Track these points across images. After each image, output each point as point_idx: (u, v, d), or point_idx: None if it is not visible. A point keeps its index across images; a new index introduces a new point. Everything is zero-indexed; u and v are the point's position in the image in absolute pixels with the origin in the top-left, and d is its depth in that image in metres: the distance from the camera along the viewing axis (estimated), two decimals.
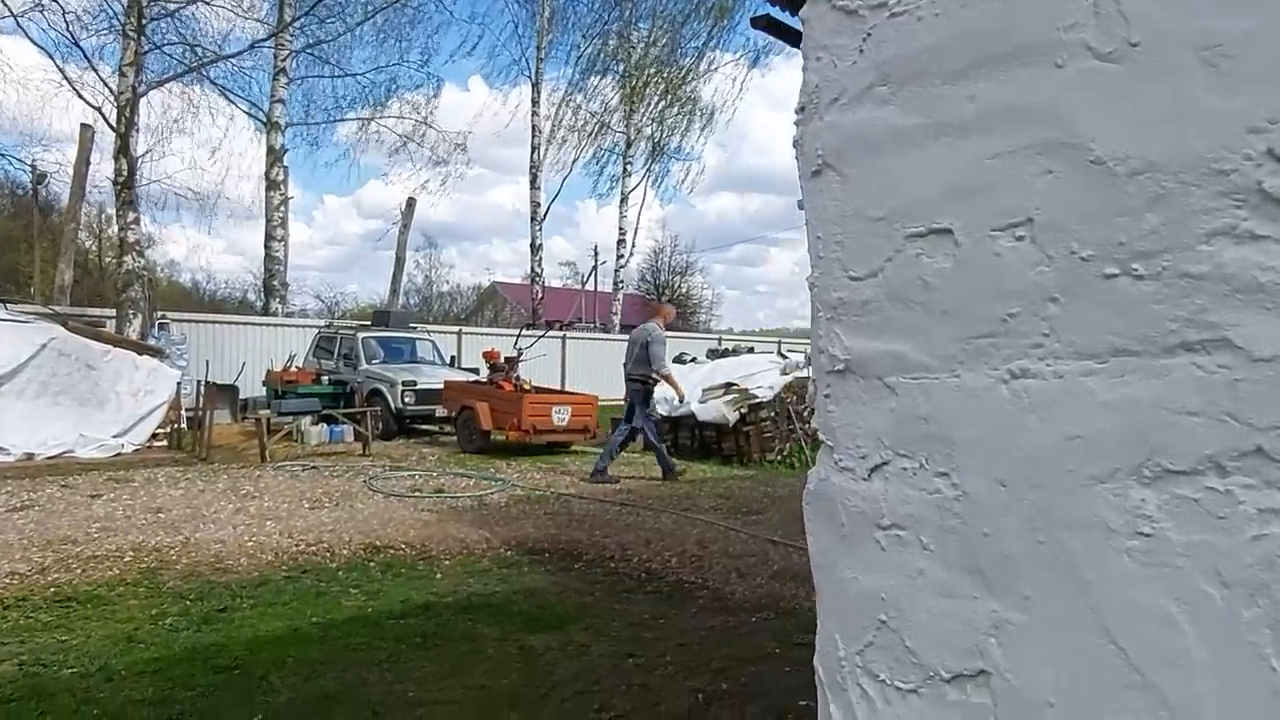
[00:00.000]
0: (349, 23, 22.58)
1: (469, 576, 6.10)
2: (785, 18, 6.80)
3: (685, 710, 3.82)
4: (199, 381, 13.54)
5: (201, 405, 12.74)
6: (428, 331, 18.70)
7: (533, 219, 30.28)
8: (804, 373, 14.38)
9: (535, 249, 30.30)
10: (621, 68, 31.57)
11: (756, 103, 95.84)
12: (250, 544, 6.79)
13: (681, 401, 12.11)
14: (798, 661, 4.48)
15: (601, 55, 31.73)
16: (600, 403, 13.99)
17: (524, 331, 19.05)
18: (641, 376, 10.29)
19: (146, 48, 17.05)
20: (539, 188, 30.35)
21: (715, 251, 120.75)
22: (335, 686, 4.03)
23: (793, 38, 7.06)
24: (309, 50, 22.48)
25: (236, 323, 19.10)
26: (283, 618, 5.06)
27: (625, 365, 10.46)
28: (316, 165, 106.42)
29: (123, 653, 4.40)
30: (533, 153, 29.93)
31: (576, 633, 4.89)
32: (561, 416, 12.90)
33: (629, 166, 32.86)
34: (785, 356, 16.55)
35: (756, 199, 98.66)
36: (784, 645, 4.76)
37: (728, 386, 13.81)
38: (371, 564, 6.37)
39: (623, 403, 11.42)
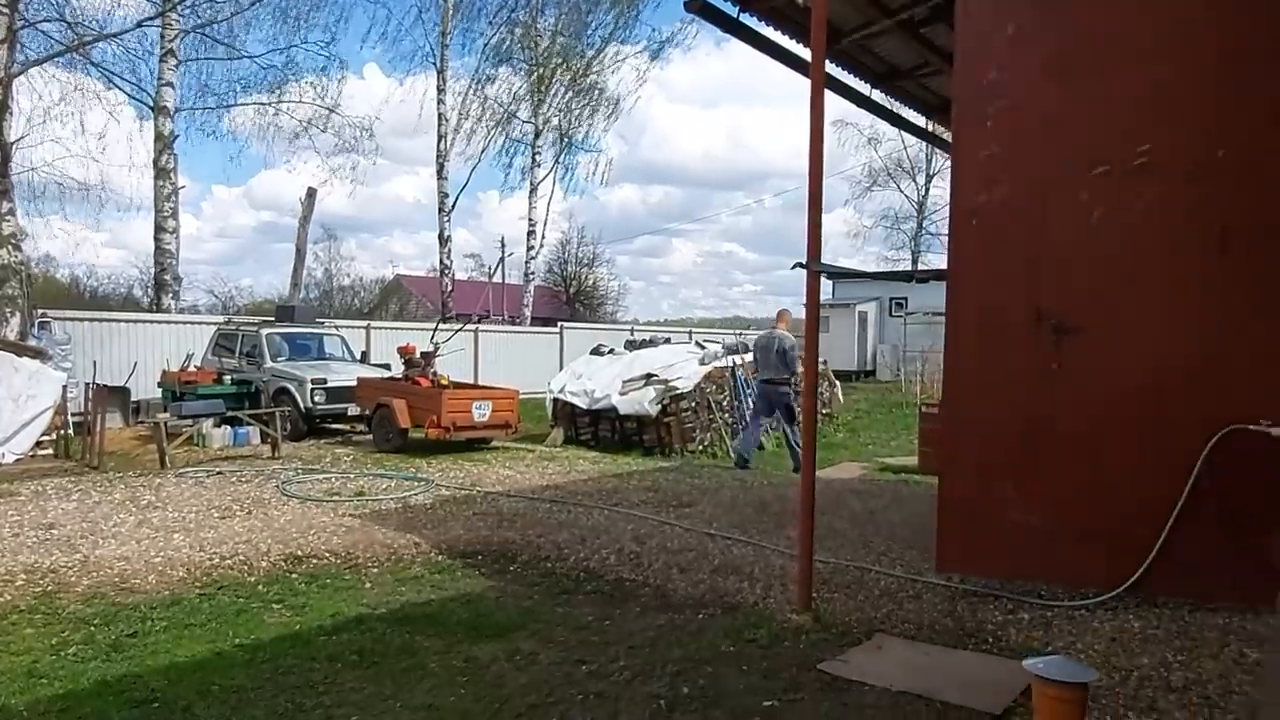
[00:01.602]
0: (242, 2, 21.43)
1: (400, 585, 5.80)
2: (719, 2, 6.71)
3: (647, 718, 3.68)
4: (87, 384, 12.62)
5: (90, 409, 11.88)
6: (335, 326, 17.96)
7: (440, 210, 29.49)
8: (723, 363, 14.43)
9: (443, 241, 29.54)
10: (528, 56, 31.05)
11: (655, 96, 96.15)
12: (158, 559, 6.30)
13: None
14: (753, 659, 4.41)
15: (507, 44, 31.15)
16: (521, 397, 13.70)
17: (440, 325, 18.50)
18: (782, 380, 11.19)
19: (20, 24, 15.73)
20: (446, 178, 29.59)
21: (620, 243, 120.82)
22: (267, 716, 3.73)
23: (724, 23, 6.98)
24: (199, 30, 21.22)
25: (126, 320, 17.90)
26: (201, 640, 4.69)
27: (756, 370, 11.77)
28: (206, 153, 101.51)
29: (22, 690, 3.97)
30: (439, 142, 29.13)
31: (522, 640, 4.70)
32: (482, 412, 12.57)
33: (538, 157, 32.40)
34: (703, 347, 16.59)
35: (658, 190, 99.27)
36: (736, 643, 4.67)
37: (648, 378, 13.73)
38: (294, 575, 6.00)
39: (542, 395, 11.29)
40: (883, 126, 39.96)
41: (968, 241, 5.17)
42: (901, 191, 45.27)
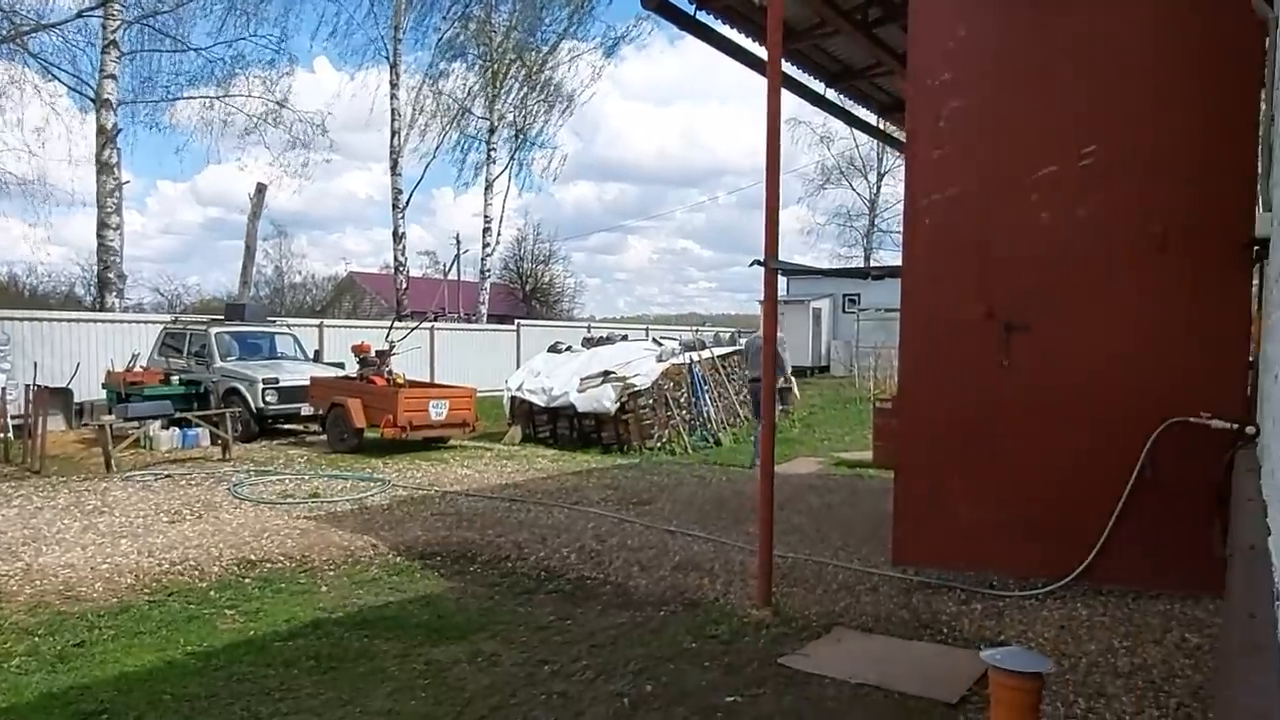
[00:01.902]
0: None
1: (358, 587, 5.73)
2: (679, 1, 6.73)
3: (611, 717, 3.69)
4: (27, 385, 12.22)
5: (31, 412, 11.51)
6: (287, 325, 17.64)
7: (394, 206, 29.12)
8: (680, 360, 14.48)
9: (398, 237, 29.18)
10: (482, 51, 30.80)
11: (610, 93, 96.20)
12: (105, 566, 6.14)
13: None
14: (715, 655, 4.44)
15: (461, 38, 30.87)
16: (478, 395, 13.59)
17: (395, 323, 18.27)
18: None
19: None
20: (400, 174, 29.23)
21: (576, 240, 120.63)
22: None
23: (680, 20, 7.00)
24: (143, 22, 20.65)
25: (68, 320, 17.37)
26: (152, 649, 4.58)
27: (746, 371, 12.12)
28: (151, 148, 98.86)
29: None
30: (393, 137, 28.76)
31: (483, 642, 4.67)
32: (439, 411, 12.44)
33: (493, 153, 32.17)
34: (660, 344, 16.62)
35: (613, 188, 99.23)
36: (698, 639, 4.70)
37: (606, 375, 13.72)
38: (247, 580, 5.89)
39: (498, 394, 11.38)
40: (835, 125, 40.46)
41: (921, 240, 5.26)
42: (854, 189, 45.87)
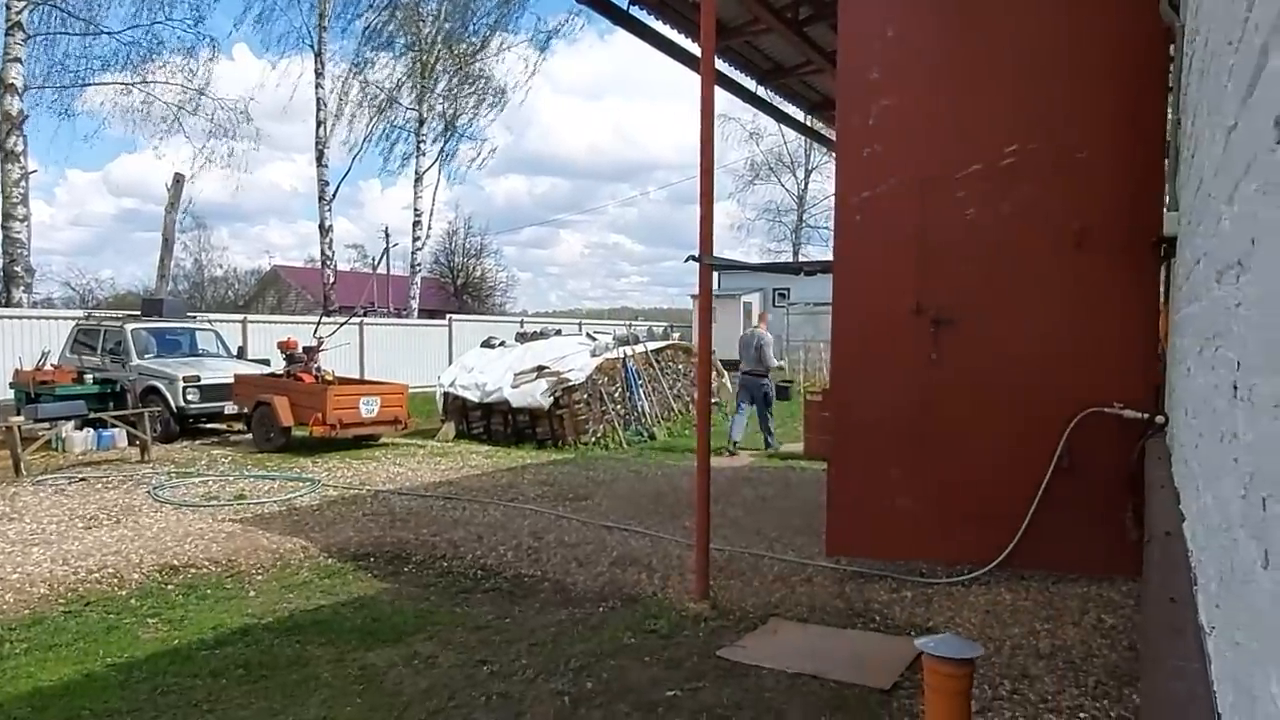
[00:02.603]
0: None
1: (288, 591, 5.59)
2: None
3: (553, 717, 3.68)
4: None
5: None
6: (208, 320, 17.07)
7: (321, 199, 28.43)
8: (614, 354, 14.49)
9: (325, 230, 28.49)
10: (411, 41, 30.24)
11: (541, 87, 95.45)
12: (15, 576, 5.86)
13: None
14: (654, 650, 4.47)
15: (389, 27, 30.25)
16: (410, 391, 13.38)
17: (323, 318, 17.83)
18: (760, 372, 12.23)
19: None
20: (326, 165, 28.56)
21: (507, 234, 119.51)
22: None
23: (614, 14, 6.98)
24: (51, 3, 19.67)
25: None
26: (69, 661, 4.39)
27: (740, 363, 12.46)
28: (60, 135, 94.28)
29: None
30: (318, 128, 28.06)
31: (420, 644, 4.60)
32: (370, 408, 12.20)
33: (423, 145, 31.65)
34: (594, 338, 16.60)
35: (544, 181, 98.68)
36: (637, 634, 4.72)
37: (540, 370, 13.64)
38: (170, 587, 5.69)
39: (431, 389, 11.15)
40: (764, 121, 40.98)
41: (852, 237, 5.37)
42: (782, 185, 46.52)
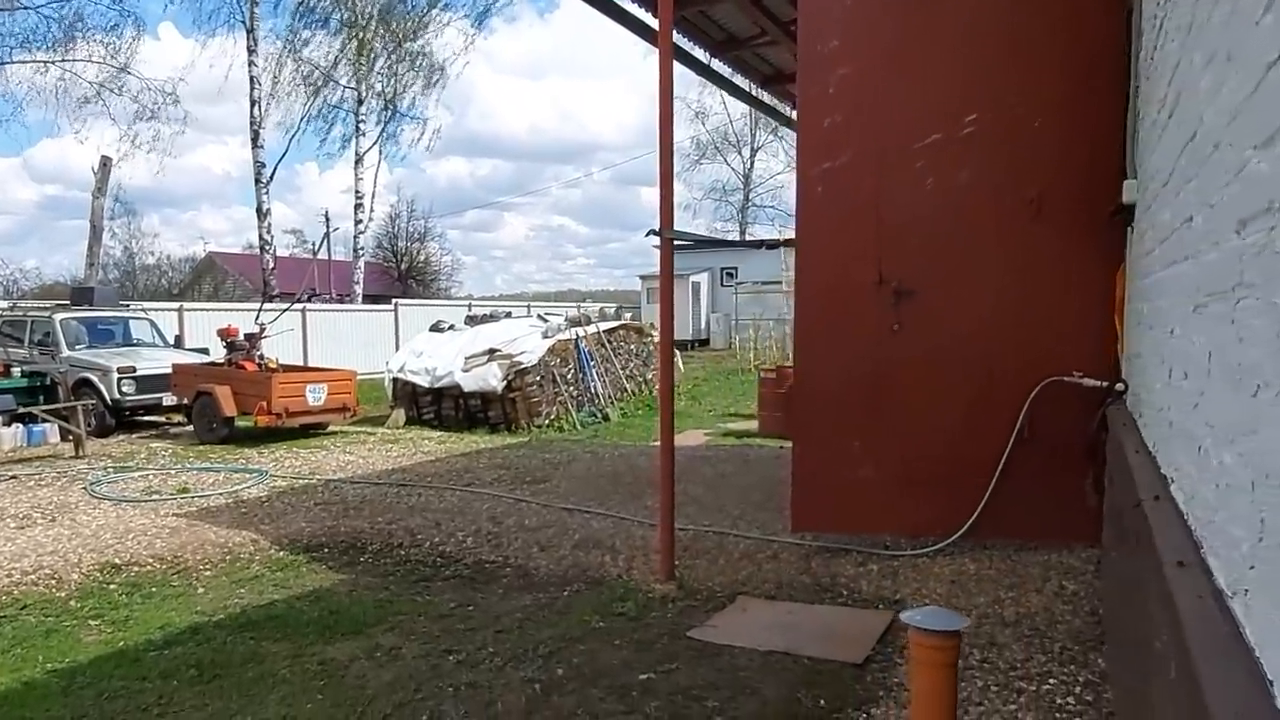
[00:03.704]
0: None
1: (239, 587, 5.37)
2: None
3: (524, 705, 3.57)
4: None
5: None
6: (143, 309, 16.42)
7: (257, 182, 27.54)
8: (566, 335, 14.33)
9: (262, 214, 27.62)
10: (346, 17, 29.39)
11: (480, 66, 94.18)
12: None
13: None
14: (624, 633, 4.38)
15: (323, 3, 29.34)
16: (359, 378, 13.05)
17: (264, 305, 17.29)
18: None
19: None
20: (261, 146, 27.66)
21: (450, 217, 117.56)
22: None
23: None
24: None
25: None
26: (5, 669, 4.14)
27: None
28: None
29: None
30: (252, 108, 27.13)
31: (381, 635, 4.45)
32: (317, 396, 11.87)
33: (362, 125, 30.88)
34: (545, 320, 16.40)
35: (486, 164, 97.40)
36: (605, 617, 4.63)
37: (491, 353, 13.44)
38: (112, 586, 5.43)
39: (378, 376, 10.84)
40: (710, 100, 40.83)
41: (813, 208, 5.31)
42: (728, 164, 46.56)
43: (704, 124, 43.96)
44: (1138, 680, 2.25)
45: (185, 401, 12.41)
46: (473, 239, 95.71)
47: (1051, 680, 3.72)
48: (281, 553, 6.09)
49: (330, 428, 12.73)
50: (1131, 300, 4.41)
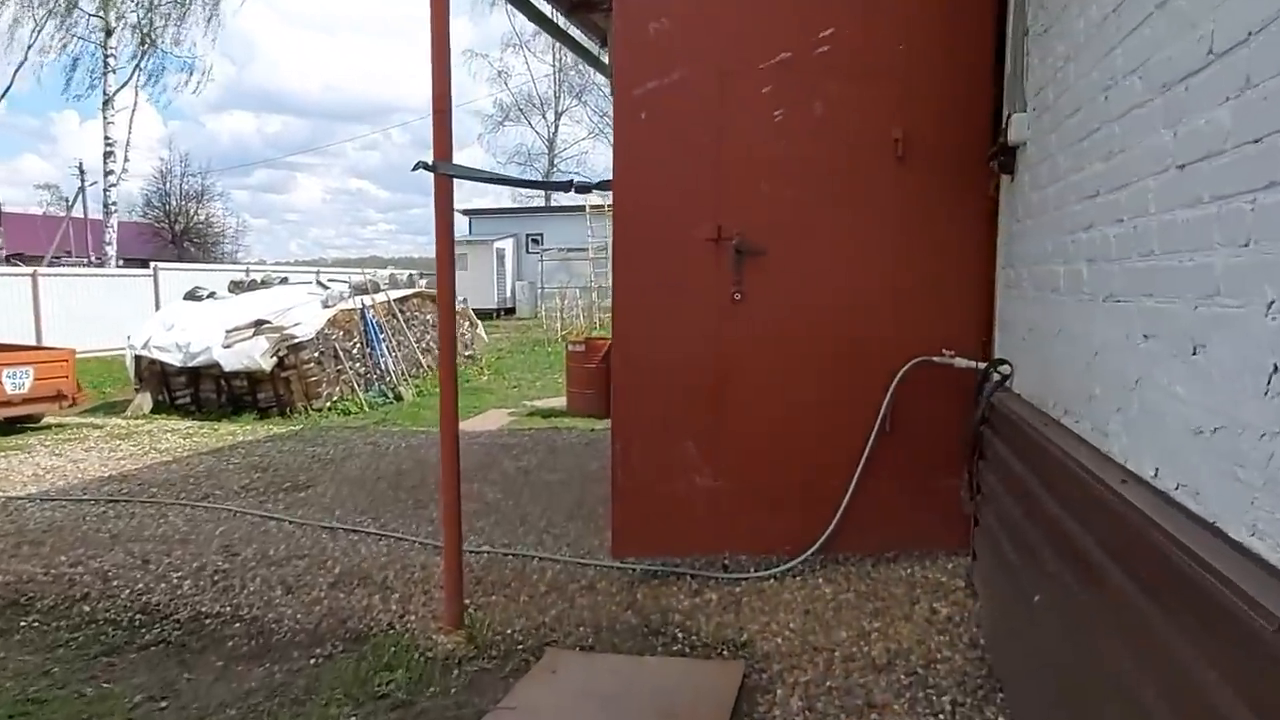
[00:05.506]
0: None
1: None
2: None
3: None
4: None
5: None
6: None
7: None
8: (351, 304, 12.52)
9: None
10: None
11: (266, 15, 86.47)
12: None
13: None
14: None
15: None
16: (92, 355, 10.67)
17: None
18: None
19: None
20: None
21: (235, 176, 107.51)
22: None
23: None
24: None
25: None
26: None
27: None
28: None
29: None
30: None
31: None
32: (19, 382, 9.48)
33: (112, 62, 26.64)
34: (327, 287, 14.38)
35: (275, 120, 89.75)
36: (364, 699, 3.32)
37: (258, 325, 11.45)
38: None
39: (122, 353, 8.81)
40: (511, 60, 38.92)
41: (636, 140, 4.09)
42: (533, 128, 44.94)
43: (506, 84, 42.08)
44: None
45: None
46: (262, 200, 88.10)
47: None
48: None
49: (46, 421, 10.33)
50: (1009, 246, 3.59)
